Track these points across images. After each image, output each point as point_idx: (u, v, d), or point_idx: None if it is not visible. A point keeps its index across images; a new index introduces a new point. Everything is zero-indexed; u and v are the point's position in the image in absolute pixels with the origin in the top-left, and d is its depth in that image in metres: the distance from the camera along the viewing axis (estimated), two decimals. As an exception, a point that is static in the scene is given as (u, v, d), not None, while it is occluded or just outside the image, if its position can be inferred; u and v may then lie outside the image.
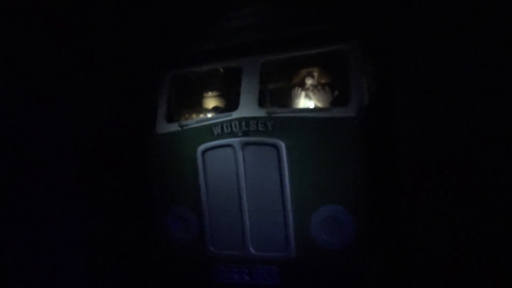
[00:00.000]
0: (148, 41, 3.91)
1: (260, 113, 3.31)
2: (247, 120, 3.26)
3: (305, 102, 3.56)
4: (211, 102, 3.94)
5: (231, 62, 3.68)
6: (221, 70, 4.07)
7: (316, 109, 3.37)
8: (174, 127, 3.64)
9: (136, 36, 3.92)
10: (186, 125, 3.57)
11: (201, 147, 3.34)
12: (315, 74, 3.56)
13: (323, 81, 3.55)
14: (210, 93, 3.95)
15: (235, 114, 3.37)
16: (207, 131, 3.40)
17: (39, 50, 3.39)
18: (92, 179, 3.76)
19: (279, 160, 3.13)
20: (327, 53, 3.42)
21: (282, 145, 3.12)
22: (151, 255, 3.79)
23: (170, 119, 3.81)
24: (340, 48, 3.36)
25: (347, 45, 3.32)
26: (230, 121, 3.31)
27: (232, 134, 3.30)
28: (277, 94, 3.89)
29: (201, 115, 3.84)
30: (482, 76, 2.73)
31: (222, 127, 3.34)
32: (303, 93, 3.55)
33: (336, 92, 3.51)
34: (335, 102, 3.46)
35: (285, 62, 3.70)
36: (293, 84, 3.66)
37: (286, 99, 3.72)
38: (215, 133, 3.36)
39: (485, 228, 2.70)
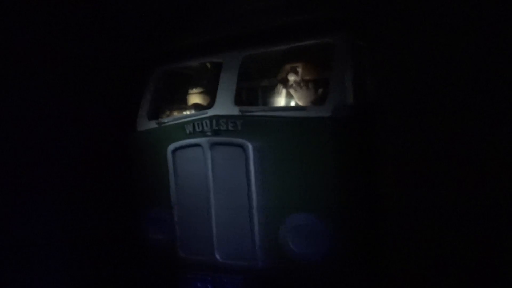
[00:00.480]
0: (132, 37, 3.82)
1: (235, 111, 3.10)
2: (217, 118, 3.06)
3: (286, 100, 3.29)
4: (195, 98, 3.76)
5: (215, 57, 3.49)
6: (208, 65, 3.90)
7: (291, 108, 3.09)
8: (153, 124, 3.53)
9: (121, 32, 3.85)
10: (163, 122, 3.44)
11: (171, 146, 3.18)
12: (299, 70, 3.27)
13: (307, 77, 3.26)
14: (194, 90, 3.77)
15: (210, 112, 3.18)
16: (180, 129, 3.23)
17: (23, 50, 3.39)
18: (75, 176, 3.74)
19: (246, 162, 2.89)
20: (312, 46, 3.14)
21: (249, 146, 2.87)
22: (129, 255, 3.70)
23: (156, 116, 3.69)
24: (324, 41, 3.06)
25: (331, 38, 3.02)
26: (201, 120, 3.12)
27: (202, 133, 3.11)
28: (261, 92, 3.65)
29: (184, 112, 3.68)
30: (474, 78, 2.43)
31: (193, 126, 3.16)
32: (284, 91, 3.28)
33: (321, 90, 3.21)
34: (319, 101, 3.16)
35: (269, 57, 3.45)
36: (276, 81, 3.40)
37: (269, 96, 3.47)
38: (187, 131, 3.19)
39: (469, 234, 2.44)
